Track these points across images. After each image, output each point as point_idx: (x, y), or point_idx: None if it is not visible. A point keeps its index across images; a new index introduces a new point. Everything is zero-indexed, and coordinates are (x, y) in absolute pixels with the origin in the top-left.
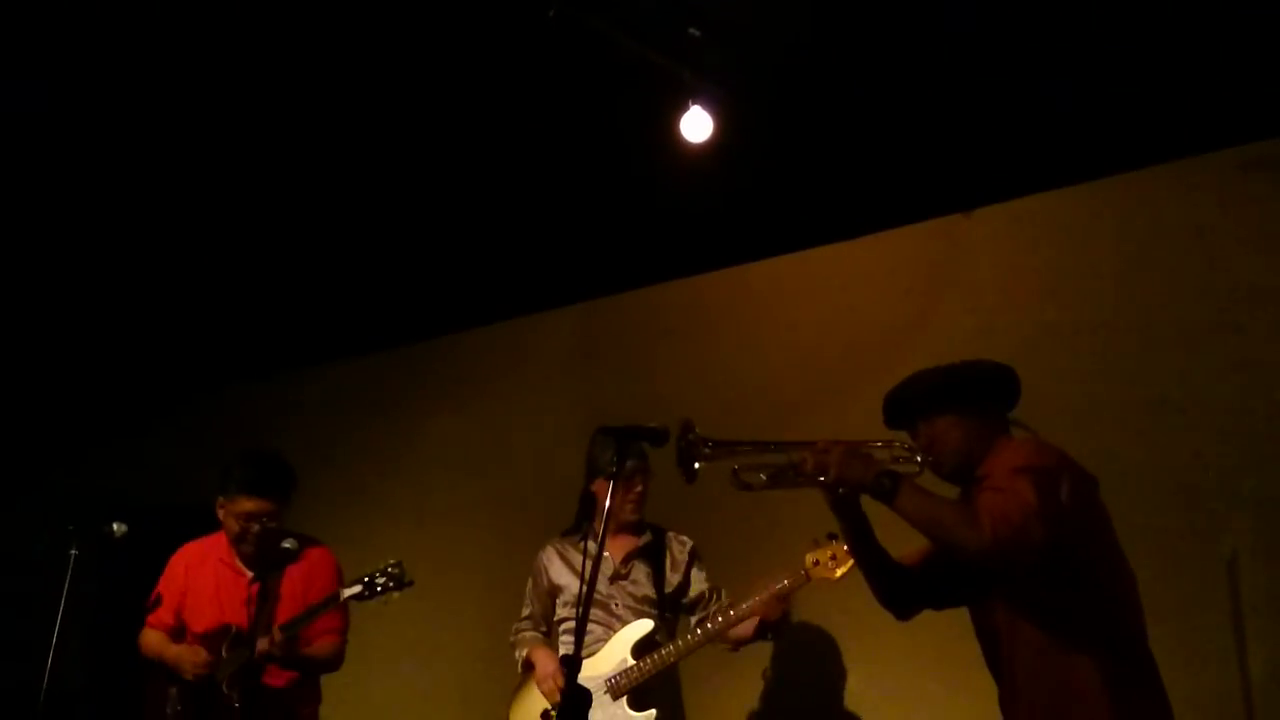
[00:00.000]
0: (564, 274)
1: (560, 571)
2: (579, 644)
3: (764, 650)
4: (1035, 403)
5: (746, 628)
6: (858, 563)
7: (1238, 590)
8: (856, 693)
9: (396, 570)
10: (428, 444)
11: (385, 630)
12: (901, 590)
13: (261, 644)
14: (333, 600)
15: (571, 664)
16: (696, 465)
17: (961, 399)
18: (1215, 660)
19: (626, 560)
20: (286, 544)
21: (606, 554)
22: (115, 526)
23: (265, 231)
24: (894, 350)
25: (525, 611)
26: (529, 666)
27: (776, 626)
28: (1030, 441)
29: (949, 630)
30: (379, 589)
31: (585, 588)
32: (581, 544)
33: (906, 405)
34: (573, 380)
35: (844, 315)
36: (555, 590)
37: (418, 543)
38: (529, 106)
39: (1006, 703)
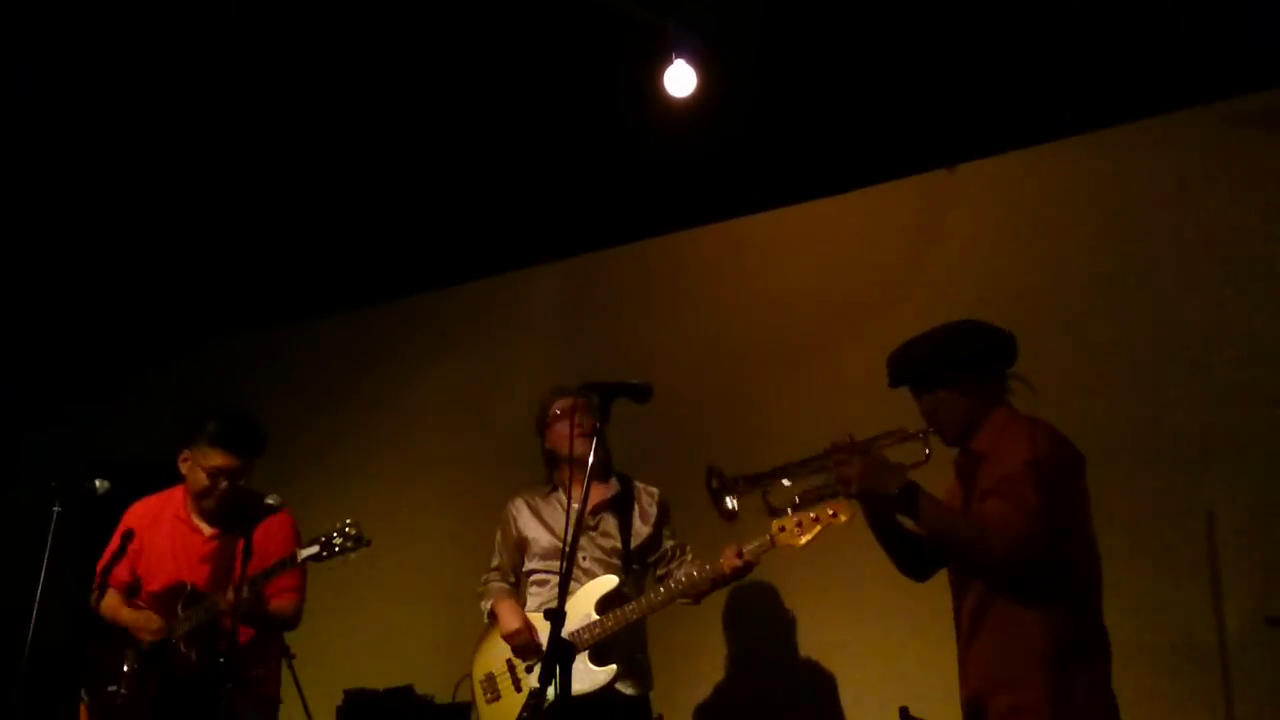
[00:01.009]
0: (550, 229)
1: (528, 523)
2: (562, 597)
3: (731, 605)
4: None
5: (705, 582)
6: (878, 539)
7: (1215, 544)
8: (816, 646)
9: (354, 530)
10: (414, 398)
11: (370, 575)
12: (918, 558)
13: (226, 597)
14: (289, 561)
15: (556, 617)
16: (732, 504)
17: (959, 374)
18: (1192, 613)
19: (596, 511)
20: (270, 500)
21: (575, 505)
22: (98, 483)
23: (252, 187)
24: (880, 304)
25: (494, 563)
26: (494, 618)
27: (732, 579)
28: (1029, 429)
29: (903, 590)
30: (336, 549)
31: (567, 541)
32: (552, 494)
33: (908, 377)
34: (559, 335)
35: (830, 270)
36: (523, 543)
37: (404, 495)
38: (514, 61)
39: (961, 655)
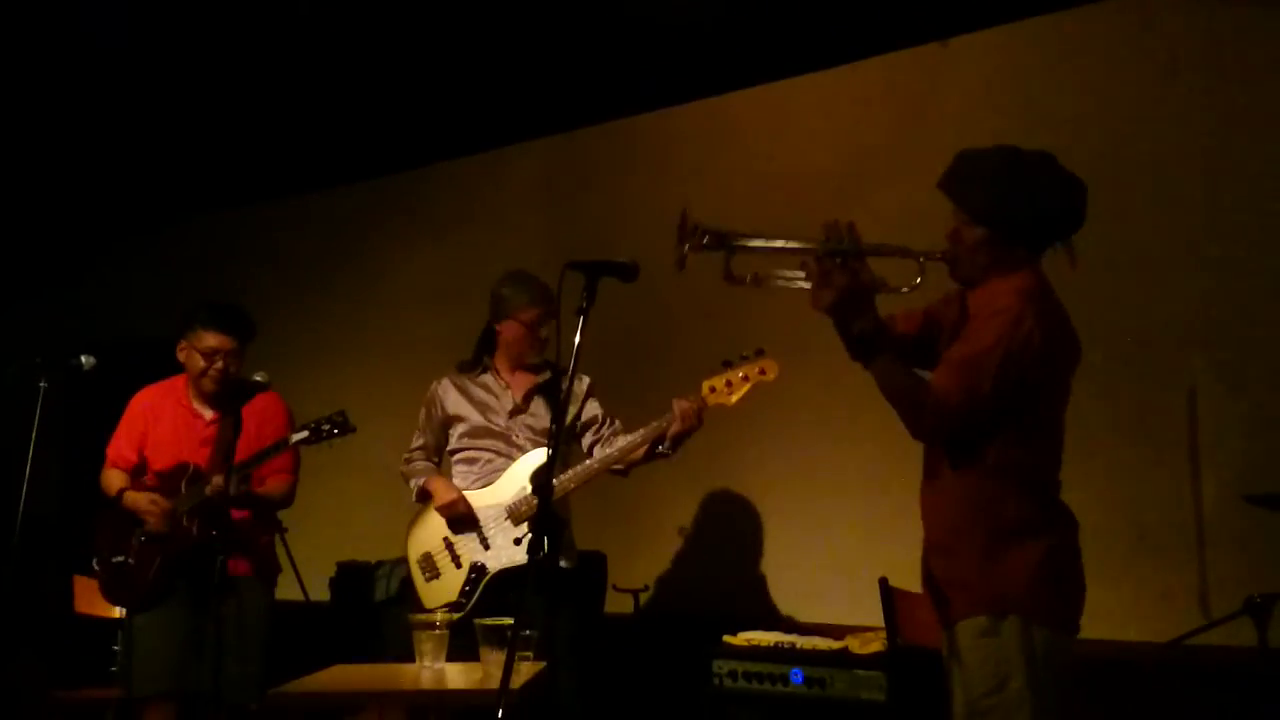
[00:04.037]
0: (534, 106)
1: (458, 403)
2: (550, 472)
3: (652, 482)
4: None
5: (639, 451)
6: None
7: (1195, 423)
8: (794, 516)
9: (341, 418)
10: (396, 278)
11: (361, 452)
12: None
13: (216, 482)
14: (282, 445)
15: (544, 490)
16: (682, 250)
17: (1007, 225)
18: (1170, 490)
19: (527, 396)
20: (258, 376)
21: (508, 389)
22: (84, 359)
23: (232, 62)
24: (871, 180)
25: (418, 443)
26: (425, 496)
27: (670, 445)
28: (1025, 309)
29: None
30: (324, 434)
31: (565, 415)
32: (482, 375)
33: (956, 194)
34: (543, 213)
35: (820, 146)
36: (450, 421)
37: (386, 375)
38: None
39: (921, 498)
